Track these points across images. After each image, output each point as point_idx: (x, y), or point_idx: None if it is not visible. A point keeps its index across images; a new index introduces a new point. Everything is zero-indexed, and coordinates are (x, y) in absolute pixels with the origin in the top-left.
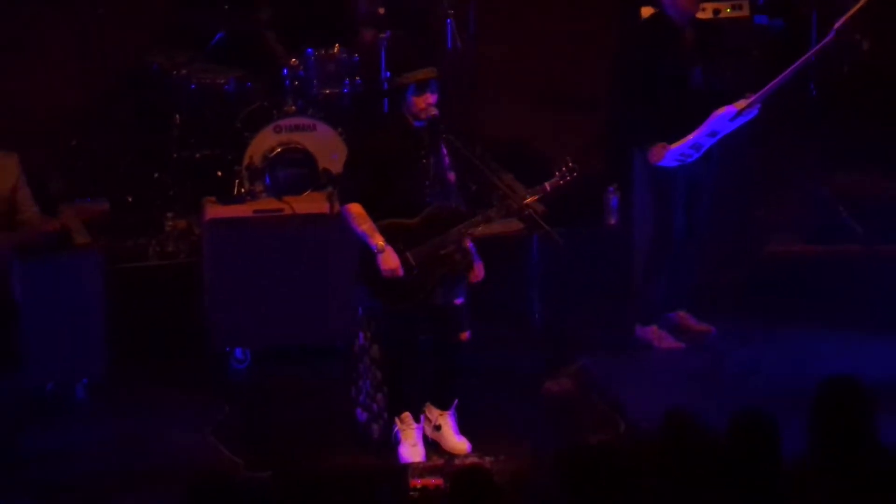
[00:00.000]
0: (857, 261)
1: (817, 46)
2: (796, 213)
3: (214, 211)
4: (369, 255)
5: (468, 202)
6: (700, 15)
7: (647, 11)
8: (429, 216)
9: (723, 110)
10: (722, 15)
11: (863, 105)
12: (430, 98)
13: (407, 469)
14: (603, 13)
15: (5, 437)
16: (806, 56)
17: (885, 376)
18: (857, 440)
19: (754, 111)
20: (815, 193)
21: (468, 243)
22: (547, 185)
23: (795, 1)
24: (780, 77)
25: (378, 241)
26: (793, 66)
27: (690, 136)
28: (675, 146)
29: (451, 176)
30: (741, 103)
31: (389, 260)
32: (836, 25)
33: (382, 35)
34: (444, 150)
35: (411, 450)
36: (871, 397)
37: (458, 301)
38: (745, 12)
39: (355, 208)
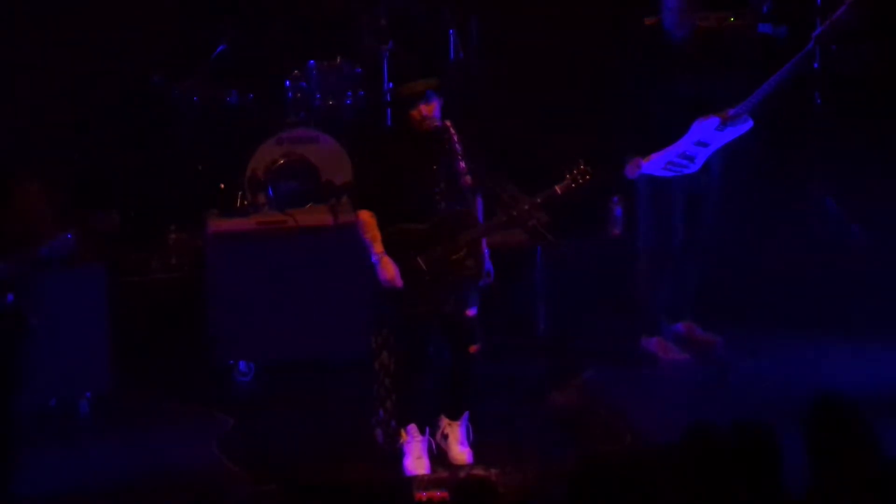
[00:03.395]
0: (863, 270)
1: (799, 55)
2: (802, 222)
3: (217, 224)
4: None
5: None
6: (703, 23)
7: (650, 22)
8: (439, 221)
9: (706, 119)
10: (725, 23)
11: (868, 113)
12: (426, 109)
13: (412, 482)
14: (605, 23)
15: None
16: (787, 66)
17: (893, 385)
18: (857, 456)
19: (748, 123)
20: (821, 202)
21: (484, 248)
22: (557, 189)
23: (799, 9)
24: (763, 87)
25: (377, 249)
26: (774, 77)
27: (674, 146)
28: (655, 155)
29: (467, 180)
30: (725, 113)
31: (387, 270)
32: (815, 33)
33: (385, 46)
34: (460, 155)
35: (416, 462)
36: (859, 411)
37: (471, 312)
38: (749, 21)
39: (364, 215)
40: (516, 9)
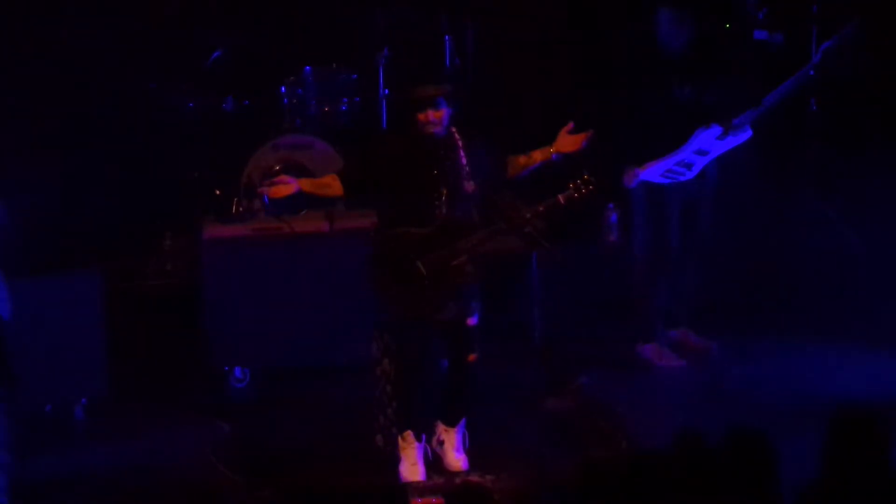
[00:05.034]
0: (859, 276)
1: (807, 66)
2: (797, 227)
3: (213, 230)
4: (379, 267)
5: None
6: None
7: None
8: (441, 226)
9: (708, 128)
10: (721, 30)
11: (864, 118)
12: (434, 114)
13: (407, 488)
14: (603, 30)
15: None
16: (795, 77)
17: (887, 393)
18: (871, 468)
19: (747, 133)
20: (817, 209)
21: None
22: (560, 198)
23: (795, 16)
24: (769, 97)
25: (304, 182)
26: (781, 87)
27: (674, 154)
28: (655, 163)
29: (469, 186)
30: (729, 122)
31: (280, 189)
32: (823, 46)
33: (381, 53)
34: (463, 160)
35: (411, 469)
36: (889, 424)
37: (472, 321)
38: (745, 27)
39: (329, 177)
40: (512, 16)
